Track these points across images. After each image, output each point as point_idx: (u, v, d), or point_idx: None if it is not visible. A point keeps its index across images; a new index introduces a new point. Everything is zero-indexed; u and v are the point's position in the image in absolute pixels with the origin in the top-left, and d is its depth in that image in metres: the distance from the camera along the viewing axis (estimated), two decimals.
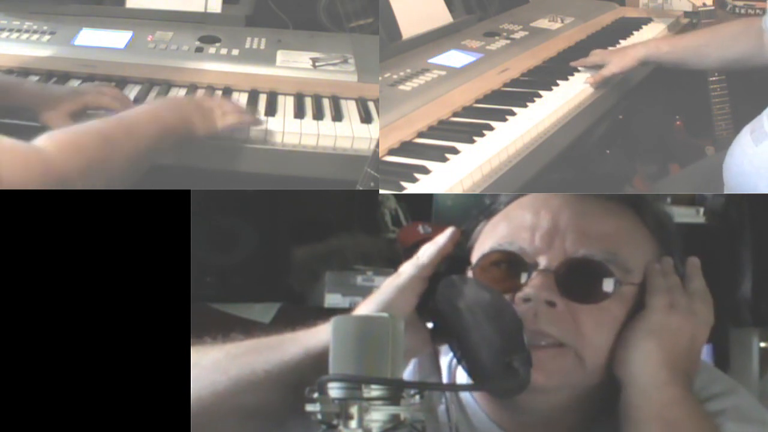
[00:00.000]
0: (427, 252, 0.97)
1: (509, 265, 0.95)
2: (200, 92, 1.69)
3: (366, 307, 0.96)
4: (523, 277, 0.94)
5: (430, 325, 0.98)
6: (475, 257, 0.99)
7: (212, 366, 0.96)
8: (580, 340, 0.92)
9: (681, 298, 0.95)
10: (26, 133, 1.53)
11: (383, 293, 0.96)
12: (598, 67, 1.91)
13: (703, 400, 0.96)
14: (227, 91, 1.75)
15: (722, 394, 0.98)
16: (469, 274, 0.98)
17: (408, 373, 1.03)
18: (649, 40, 2.18)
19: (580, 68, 1.93)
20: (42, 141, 1.23)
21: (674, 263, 0.98)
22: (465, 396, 1.03)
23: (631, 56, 1.91)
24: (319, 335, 0.93)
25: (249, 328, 1.01)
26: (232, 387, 0.93)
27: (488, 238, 0.99)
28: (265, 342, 0.98)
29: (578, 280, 0.92)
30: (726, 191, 1.74)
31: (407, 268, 0.97)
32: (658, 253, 0.98)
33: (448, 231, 0.99)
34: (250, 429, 0.95)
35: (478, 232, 1.02)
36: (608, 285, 0.93)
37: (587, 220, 0.95)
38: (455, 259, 0.99)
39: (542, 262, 0.93)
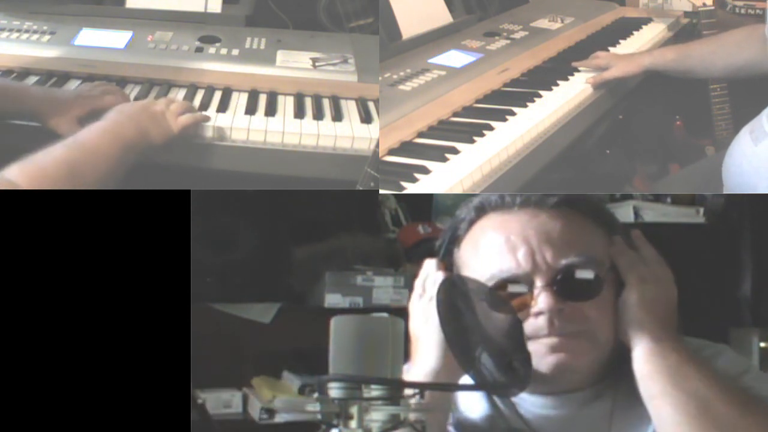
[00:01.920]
0: (434, 290, 1.04)
1: (511, 288, 1.06)
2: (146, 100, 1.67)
3: (418, 372, 1.03)
4: (530, 293, 1.05)
5: None
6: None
7: None
8: (591, 326, 1.06)
9: (644, 269, 1.09)
10: (32, 134, 1.55)
11: (433, 353, 1.03)
12: (600, 68, 1.91)
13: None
14: (227, 91, 1.75)
15: (703, 347, 1.12)
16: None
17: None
18: (654, 49, 2.18)
19: (581, 68, 1.93)
20: (11, 173, 1.25)
21: (624, 240, 1.11)
22: None
23: (636, 63, 1.91)
24: None
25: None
26: None
27: (474, 265, 1.08)
28: None
29: (572, 284, 1.06)
30: (725, 191, 1.74)
31: (434, 317, 1.02)
32: (606, 236, 1.11)
33: (434, 262, 1.09)
34: None
35: (457, 258, 1.11)
36: (596, 280, 1.07)
37: (551, 233, 1.07)
38: (452, 285, 1.03)
39: (538, 281, 1.05)
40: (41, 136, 1.52)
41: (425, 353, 1.04)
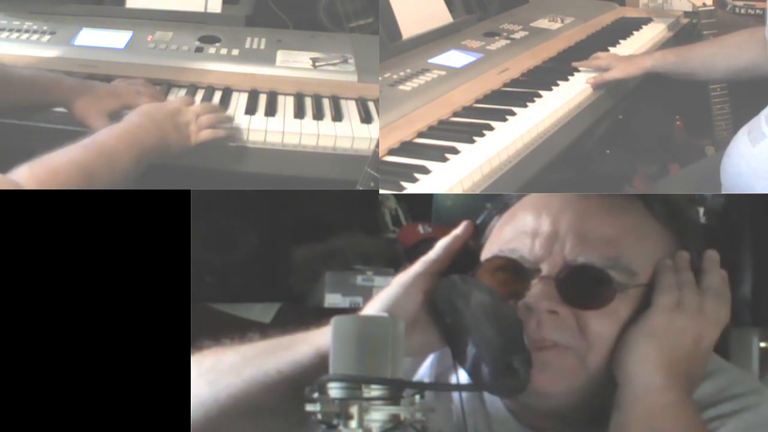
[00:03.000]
0: (437, 248, 0.98)
1: (511, 271, 0.95)
2: (177, 98, 1.65)
3: (373, 305, 0.96)
4: (526, 282, 0.93)
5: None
6: (483, 257, 0.99)
7: (228, 369, 0.97)
8: (583, 344, 0.92)
9: (691, 296, 0.92)
10: (63, 135, 1.54)
11: (389, 290, 0.96)
12: (601, 69, 1.91)
13: (724, 400, 0.94)
14: (227, 91, 1.75)
15: (743, 394, 0.95)
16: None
17: (426, 367, 1.05)
18: (655, 51, 2.18)
19: (581, 69, 1.93)
20: (20, 174, 1.22)
21: (690, 257, 0.94)
22: None
23: (637, 65, 1.91)
24: (329, 334, 0.93)
25: (264, 329, 1.02)
26: (247, 388, 0.95)
27: (496, 240, 0.99)
28: (277, 342, 0.98)
29: (579, 286, 0.91)
30: (723, 192, 1.74)
31: (416, 266, 0.97)
32: (671, 246, 0.96)
33: (462, 225, 0.99)
34: (267, 429, 0.95)
35: (491, 227, 1.01)
36: (609, 290, 0.91)
37: (588, 223, 0.93)
38: (469, 254, 0.99)
39: (543, 269, 0.93)
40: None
41: (385, 292, 0.96)
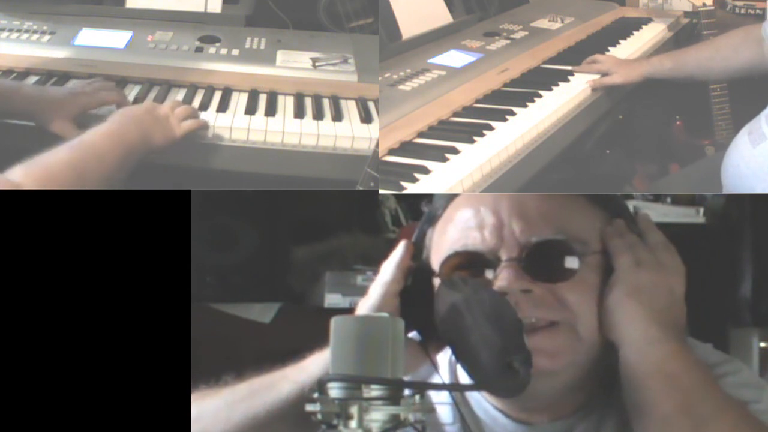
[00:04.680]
0: (388, 269, 1.00)
1: (473, 264, 0.97)
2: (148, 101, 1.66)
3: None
4: (489, 273, 0.95)
5: (413, 334, 0.99)
6: (435, 264, 1.00)
7: (215, 416, 1.00)
8: (569, 314, 0.94)
9: (645, 253, 0.96)
10: (29, 133, 1.55)
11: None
12: (601, 72, 1.91)
13: None
14: (227, 91, 1.75)
15: (720, 363, 0.99)
16: (436, 281, 0.99)
17: None
18: (652, 57, 2.17)
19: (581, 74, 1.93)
20: (15, 175, 1.24)
21: (626, 223, 0.99)
22: None
23: (637, 71, 1.91)
24: (309, 370, 0.97)
25: (240, 371, 1.04)
26: None
27: (441, 245, 1.01)
28: (258, 383, 1.01)
29: (543, 262, 0.94)
30: (724, 192, 1.74)
31: (374, 290, 1.00)
32: (604, 217, 0.99)
33: (401, 245, 1.02)
34: None
35: (429, 240, 1.03)
36: (572, 260, 0.95)
37: (526, 207, 0.96)
38: (418, 270, 1.01)
39: (502, 255, 0.95)
40: (37, 135, 1.53)
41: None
